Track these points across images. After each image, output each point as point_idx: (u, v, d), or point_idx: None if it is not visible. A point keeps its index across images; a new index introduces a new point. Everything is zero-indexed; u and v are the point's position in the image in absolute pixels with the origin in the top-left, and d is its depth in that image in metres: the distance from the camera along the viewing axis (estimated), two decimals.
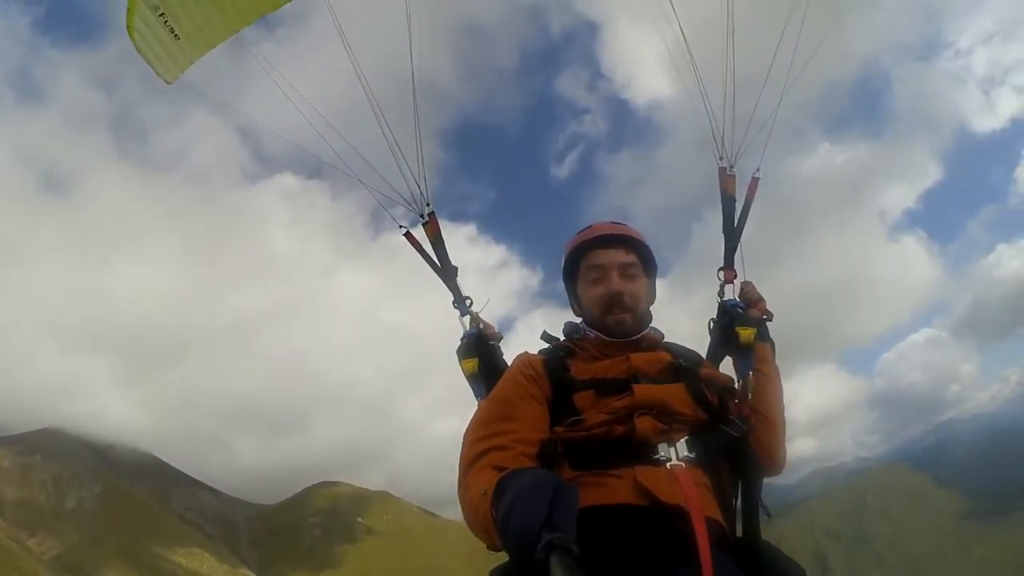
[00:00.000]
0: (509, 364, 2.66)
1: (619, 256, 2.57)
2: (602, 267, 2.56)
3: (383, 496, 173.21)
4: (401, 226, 3.49)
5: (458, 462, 2.20)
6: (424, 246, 3.43)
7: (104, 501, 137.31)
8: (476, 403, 2.71)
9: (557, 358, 2.46)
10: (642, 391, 2.25)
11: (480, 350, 3.00)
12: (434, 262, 3.40)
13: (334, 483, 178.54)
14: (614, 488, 2.07)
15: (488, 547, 1.93)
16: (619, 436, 2.16)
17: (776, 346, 2.78)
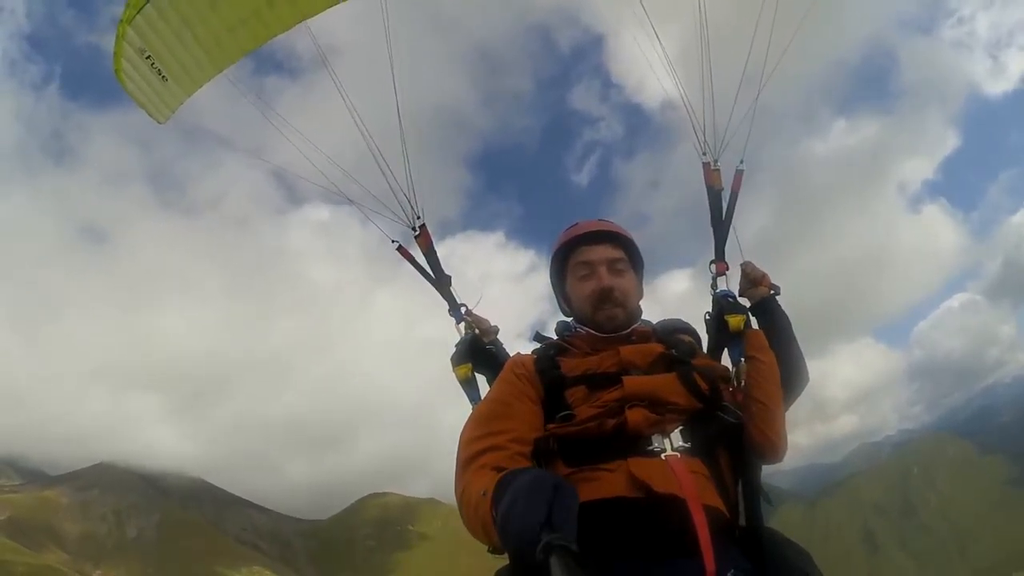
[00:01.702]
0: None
1: (607, 252, 2.57)
2: (590, 263, 2.56)
3: (431, 503, 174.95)
4: (393, 241, 3.56)
5: (454, 463, 2.20)
6: (417, 258, 3.52)
7: (163, 529, 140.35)
8: (471, 408, 2.79)
9: (548, 356, 2.46)
10: (632, 383, 2.23)
11: (473, 356, 3.07)
12: (427, 273, 3.50)
13: (383, 494, 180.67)
14: (607, 482, 2.07)
15: (489, 550, 1.95)
16: (611, 429, 2.14)
17: (792, 319, 2.79)
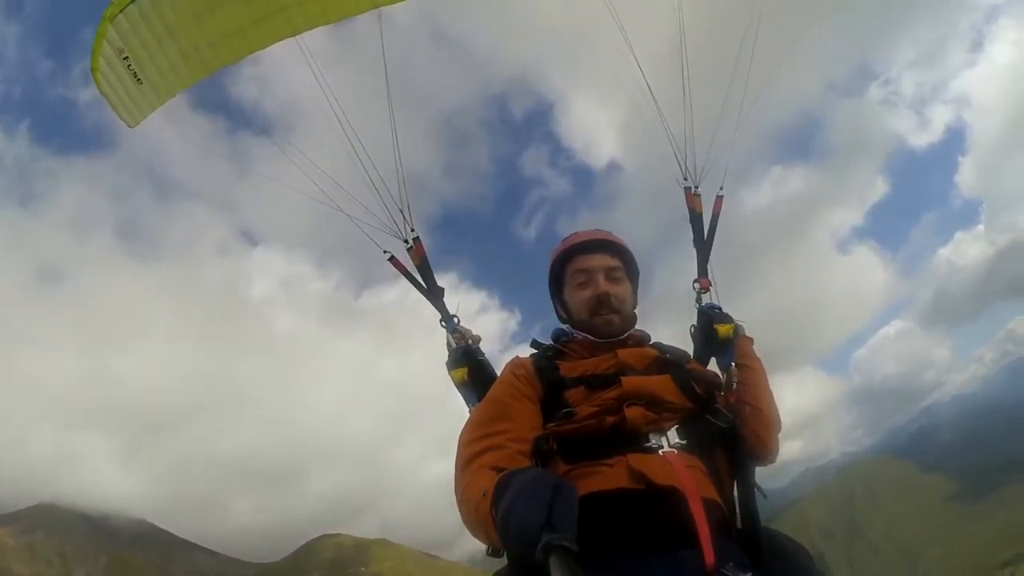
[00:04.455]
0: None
1: (604, 260, 2.68)
2: (588, 271, 2.66)
3: (383, 543, 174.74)
4: (385, 251, 3.54)
5: (454, 463, 2.22)
6: (410, 270, 3.52)
7: (111, 573, 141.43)
8: (468, 412, 2.88)
9: (546, 358, 2.54)
10: (630, 382, 2.30)
11: (468, 360, 3.09)
12: (420, 284, 3.49)
13: (334, 535, 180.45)
14: (608, 475, 2.10)
15: (488, 552, 2.02)
16: (610, 426, 2.20)
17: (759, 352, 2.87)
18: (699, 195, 3.45)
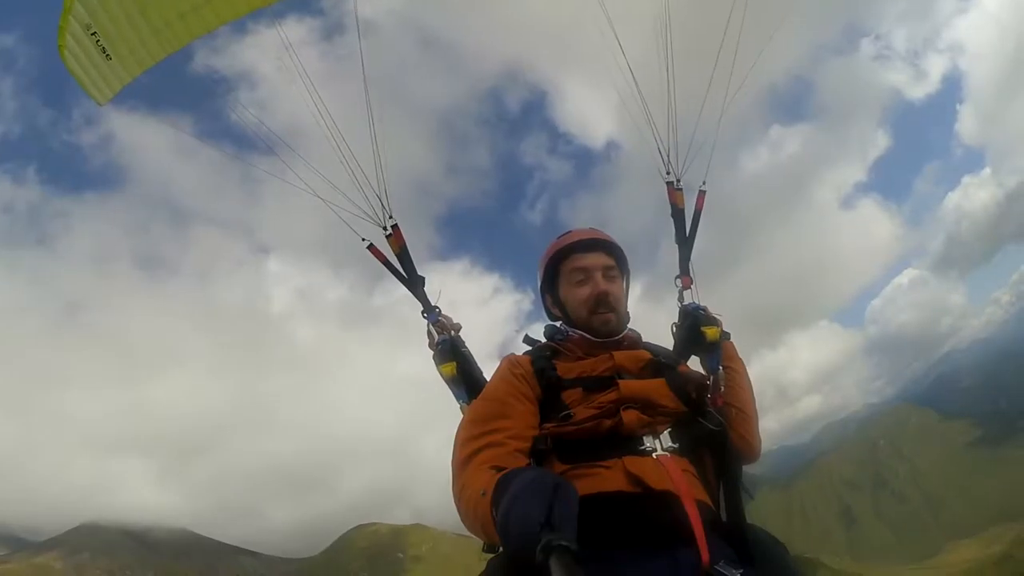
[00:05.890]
0: (484, 371, 2.95)
1: (601, 259, 2.73)
2: (586, 269, 2.70)
3: (418, 528, 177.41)
4: (364, 239, 3.49)
5: (451, 461, 2.26)
6: (390, 258, 3.48)
7: None
8: (459, 406, 2.95)
9: (544, 358, 2.56)
10: (627, 386, 2.35)
11: (456, 354, 3.09)
12: (400, 273, 3.45)
13: (369, 524, 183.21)
14: (605, 477, 2.15)
15: (484, 549, 2.09)
16: (607, 429, 2.25)
17: (746, 320, 3.60)
18: (681, 190, 3.41)
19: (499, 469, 2.00)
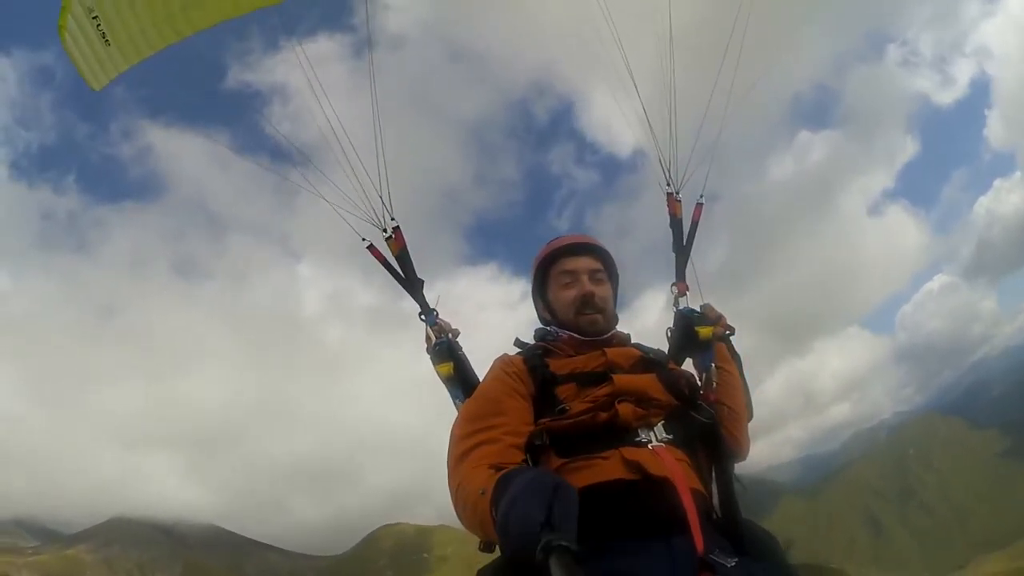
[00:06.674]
0: (479, 373, 2.97)
1: (588, 263, 2.83)
2: (573, 272, 2.80)
3: (443, 529, 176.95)
4: (364, 239, 3.49)
5: (446, 458, 2.31)
6: (389, 260, 3.46)
7: None
8: (454, 405, 2.96)
9: (536, 356, 2.62)
10: (621, 379, 2.41)
11: (452, 355, 3.10)
12: (399, 275, 3.43)
13: (395, 524, 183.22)
14: (604, 468, 2.19)
15: (481, 547, 2.03)
16: (603, 422, 2.29)
17: (743, 359, 3.04)
18: (680, 200, 3.50)
19: (497, 467, 2.05)
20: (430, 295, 3.33)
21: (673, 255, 3.42)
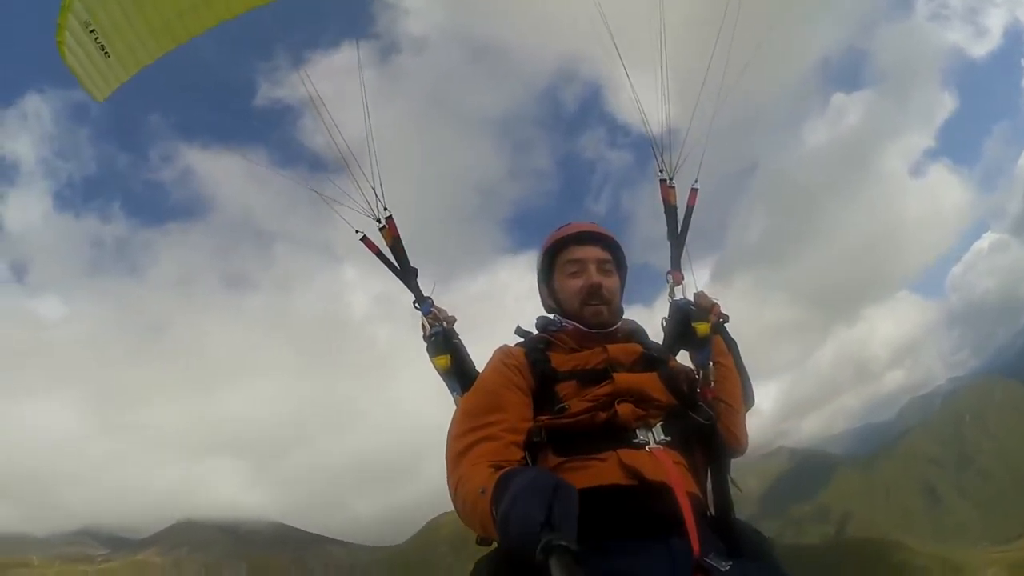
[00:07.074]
0: (476, 361, 2.88)
1: (596, 252, 2.74)
2: (581, 261, 2.72)
3: None
4: (357, 231, 3.47)
5: (445, 454, 2.30)
6: (383, 250, 3.44)
7: None
8: (452, 398, 2.87)
9: (538, 350, 2.57)
10: (622, 379, 2.38)
11: (449, 346, 3.05)
12: (393, 264, 3.42)
13: (451, 512, 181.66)
14: (601, 470, 2.18)
15: (477, 541, 2.04)
16: (602, 422, 2.27)
17: (739, 345, 2.94)
18: (674, 187, 3.43)
19: (496, 465, 2.06)
20: (439, 288, 3.35)
21: (685, 243, 3.32)
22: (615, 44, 3.64)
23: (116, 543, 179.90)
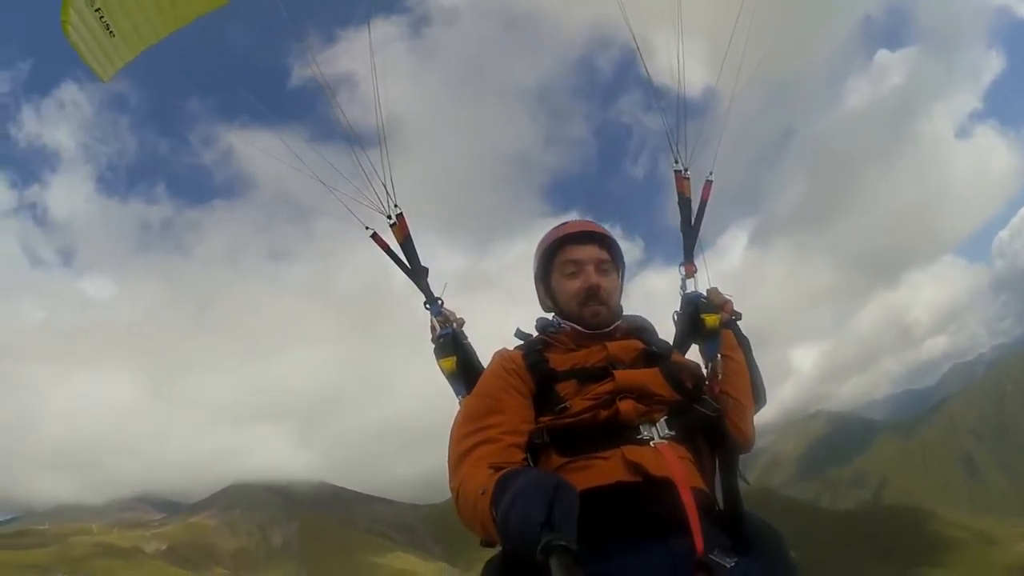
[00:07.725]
0: (483, 362, 2.87)
1: (594, 252, 2.69)
2: (579, 262, 2.67)
3: None
4: (367, 228, 3.41)
5: (447, 458, 2.29)
6: (393, 248, 3.37)
7: (304, 534, 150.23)
8: (457, 401, 2.83)
9: (536, 351, 2.55)
10: (623, 376, 2.35)
11: (457, 348, 3.02)
12: (403, 263, 3.35)
13: None
14: (604, 469, 2.16)
15: (481, 543, 2.00)
16: (604, 420, 2.26)
17: (751, 342, 2.93)
18: (688, 178, 3.37)
19: (497, 467, 2.05)
20: (448, 290, 3.27)
21: (694, 233, 3.26)
22: (632, 33, 3.61)
23: (171, 508, 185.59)
